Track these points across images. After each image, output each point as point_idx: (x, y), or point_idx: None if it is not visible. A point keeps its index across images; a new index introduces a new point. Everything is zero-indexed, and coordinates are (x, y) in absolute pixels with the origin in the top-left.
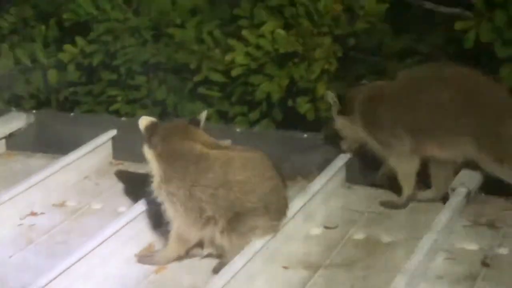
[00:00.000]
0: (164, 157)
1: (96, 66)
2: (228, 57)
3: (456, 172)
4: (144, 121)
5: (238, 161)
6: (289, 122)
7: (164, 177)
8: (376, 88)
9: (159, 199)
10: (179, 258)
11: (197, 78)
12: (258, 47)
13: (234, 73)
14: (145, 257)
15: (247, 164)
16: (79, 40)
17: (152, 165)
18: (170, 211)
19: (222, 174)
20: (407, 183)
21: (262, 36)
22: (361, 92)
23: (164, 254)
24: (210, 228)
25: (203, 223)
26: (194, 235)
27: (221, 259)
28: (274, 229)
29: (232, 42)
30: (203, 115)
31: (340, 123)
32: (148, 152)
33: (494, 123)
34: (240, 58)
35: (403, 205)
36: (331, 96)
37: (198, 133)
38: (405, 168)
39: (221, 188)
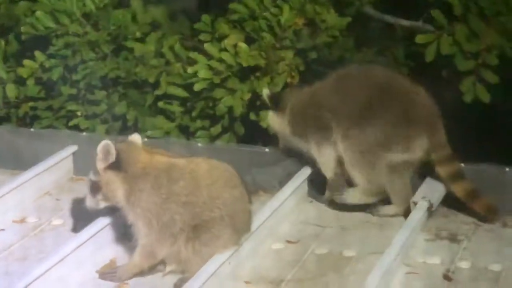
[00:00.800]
0: (134, 175)
1: (56, 80)
2: (190, 70)
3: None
4: (101, 147)
5: (205, 167)
6: (251, 136)
7: (136, 195)
8: (305, 89)
9: (130, 219)
10: (142, 274)
11: (157, 92)
12: (220, 60)
13: (197, 87)
14: (107, 273)
15: (213, 170)
16: (39, 54)
17: (118, 186)
18: (144, 227)
19: (192, 180)
20: (328, 170)
21: (224, 50)
22: (292, 91)
23: (127, 269)
24: (179, 243)
25: (174, 238)
26: (163, 251)
27: (183, 274)
28: (236, 242)
29: (193, 55)
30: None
31: (271, 119)
32: (112, 176)
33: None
34: (202, 72)
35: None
36: (265, 94)
37: (152, 149)
38: (324, 157)
39: (191, 195)
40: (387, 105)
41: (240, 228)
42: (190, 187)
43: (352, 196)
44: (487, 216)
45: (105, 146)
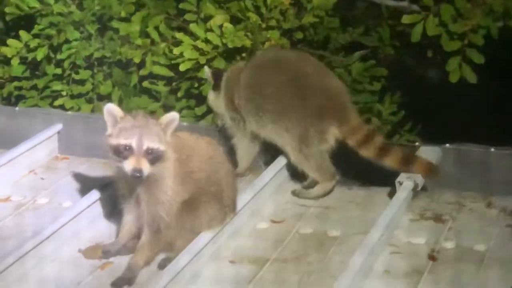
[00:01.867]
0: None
1: (40, 60)
2: (176, 51)
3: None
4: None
5: (202, 142)
6: None
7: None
8: (236, 68)
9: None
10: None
11: (142, 72)
12: (206, 41)
13: (182, 67)
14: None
15: (208, 145)
16: (23, 34)
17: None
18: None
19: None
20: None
21: (210, 30)
22: (228, 70)
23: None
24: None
25: None
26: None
27: (168, 253)
28: (223, 221)
29: (179, 35)
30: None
31: (210, 97)
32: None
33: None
34: (188, 53)
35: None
36: (206, 72)
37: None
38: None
39: (200, 171)
40: (298, 98)
41: (228, 206)
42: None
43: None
44: (427, 176)
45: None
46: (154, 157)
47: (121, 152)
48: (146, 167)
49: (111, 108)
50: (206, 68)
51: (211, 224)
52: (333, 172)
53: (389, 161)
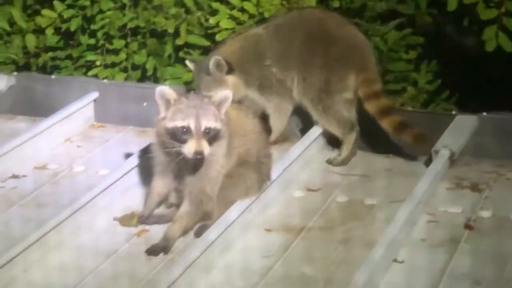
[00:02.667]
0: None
1: (75, 30)
2: (212, 20)
3: None
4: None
5: (242, 114)
6: None
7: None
8: (253, 35)
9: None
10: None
11: (177, 42)
12: (242, 10)
13: (219, 37)
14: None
15: (247, 116)
16: (57, 4)
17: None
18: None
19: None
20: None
21: None
22: (230, 44)
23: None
24: None
25: None
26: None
27: (204, 220)
28: (259, 190)
29: (215, 5)
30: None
31: (233, 83)
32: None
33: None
34: (224, 22)
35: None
36: (217, 61)
37: None
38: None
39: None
40: (320, 47)
41: (264, 175)
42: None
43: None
44: (417, 145)
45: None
46: (212, 136)
47: (179, 135)
48: (206, 148)
49: (163, 91)
50: (215, 57)
51: (248, 194)
52: (353, 123)
53: (385, 124)
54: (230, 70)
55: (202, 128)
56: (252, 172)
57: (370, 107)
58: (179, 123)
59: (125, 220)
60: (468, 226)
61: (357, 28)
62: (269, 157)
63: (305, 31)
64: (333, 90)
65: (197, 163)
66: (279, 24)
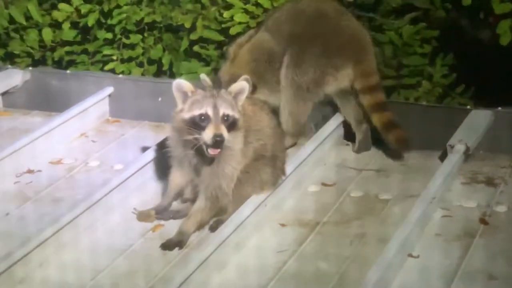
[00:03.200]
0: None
1: (92, 25)
2: (226, 14)
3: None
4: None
5: (257, 109)
6: None
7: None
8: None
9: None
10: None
11: (192, 36)
12: (257, 4)
13: (233, 31)
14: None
15: (262, 111)
16: None
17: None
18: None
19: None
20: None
21: None
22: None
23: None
24: None
25: None
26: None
27: (219, 215)
28: (274, 184)
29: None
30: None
31: (268, 98)
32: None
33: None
34: (238, 16)
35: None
36: (244, 81)
37: None
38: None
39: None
40: (318, 38)
41: (279, 170)
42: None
43: None
44: (397, 147)
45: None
46: (230, 124)
47: (197, 123)
48: (225, 132)
49: (180, 84)
50: (242, 81)
51: (263, 188)
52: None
53: (375, 119)
54: (254, 89)
55: (220, 114)
56: (267, 167)
57: (365, 100)
58: (197, 111)
59: (143, 215)
60: (483, 221)
61: (355, 19)
62: (283, 152)
63: (303, 23)
64: (323, 81)
65: (213, 158)
66: (278, 20)
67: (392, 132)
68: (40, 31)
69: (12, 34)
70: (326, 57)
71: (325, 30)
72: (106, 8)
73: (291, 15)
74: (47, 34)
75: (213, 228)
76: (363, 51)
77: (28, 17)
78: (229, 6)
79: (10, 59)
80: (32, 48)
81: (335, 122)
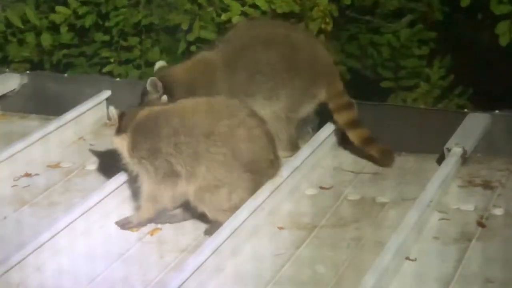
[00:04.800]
0: (131, 132)
1: (89, 27)
2: (224, 17)
3: None
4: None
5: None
6: None
7: (133, 147)
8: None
9: (134, 170)
10: (152, 219)
11: (189, 37)
12: (254, 6)
13: None
14: (123, 222)
15: (208, 105)
16: (72, 1)
17: (120, 147)
18: (142, 175)
19: (180, 120)
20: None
21: None
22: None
23: (137, 215)
24: (181, 185)
25: (172, 180)
26: (164, 195)
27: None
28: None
29: (227, 1)
30: None
31: None
32: (116, 139)
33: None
34: (236, 18)
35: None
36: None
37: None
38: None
39: (181, 135)
40: (289, 70)
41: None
42: (178, 127)
43: None
44: (382, 160)
45: (111, 113)
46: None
47: None
48: None
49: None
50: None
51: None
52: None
53: (353, 136)
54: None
55: None
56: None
57: (339, 118)
58: None
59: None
60: (480, 224)
61: (312, 36)
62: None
63: (270, 54)
64: (301, 108)
65: None
66: (233, 46)
67: (373, 147)
68: (37, 34)
69: (10, 37)
70: (300, 87)
71: (295, 58)
72: (104, 10)
73: (251, 40)
74: (46, 38)
75: (209, 232)
76: (332, 73)
77: (25, 21)
78: (226, 8)
79: (8, 63)
80: (29, 52)
81: (332, 125)
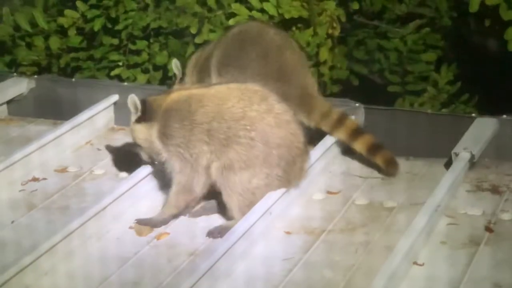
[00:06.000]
0: (159, 118)
1: (97, 31)
2: (231, 22)
3: None
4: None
5: (226, 89)
6: None
7: (165, 135)
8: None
9: (165, 159)
10: (178, 214)
11: (197, 40)
12: (262, 11)
13: None
14: (143, 220)
15: (238, 91)
16: (80, 4)
17: (145, 136)
18: (176, 164)
19: (214, 107)
20: None
21: (266, 0)
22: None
23: (163, 211)
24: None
25: (206, 168)
26: (199, 183)
27: (224, 223)
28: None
29: (235, 6)
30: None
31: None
32: (139, 128)
33: None
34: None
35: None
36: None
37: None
38: None
39: (214, 121)
40: None
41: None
42: (212, 113)
43: None
44: (387, 169)
45: (132, 100)
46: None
47: None
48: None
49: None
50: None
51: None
52: None
53: (358, 146)
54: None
55: None
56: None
57: (340, 134)
58: None
59: (140, 229)
60: (488, 229)
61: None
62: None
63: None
64: None
65: None
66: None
67: (378, 155)
68: (46, 38)
69: (18, 41)
70: None
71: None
72: (113, 14)
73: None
74: (54, 42)
75: (212, 234)
76: (311, 99)
77: (34, 24)
78: (233, 14)
79: (16, 66)
80: (38, 56)
81: None
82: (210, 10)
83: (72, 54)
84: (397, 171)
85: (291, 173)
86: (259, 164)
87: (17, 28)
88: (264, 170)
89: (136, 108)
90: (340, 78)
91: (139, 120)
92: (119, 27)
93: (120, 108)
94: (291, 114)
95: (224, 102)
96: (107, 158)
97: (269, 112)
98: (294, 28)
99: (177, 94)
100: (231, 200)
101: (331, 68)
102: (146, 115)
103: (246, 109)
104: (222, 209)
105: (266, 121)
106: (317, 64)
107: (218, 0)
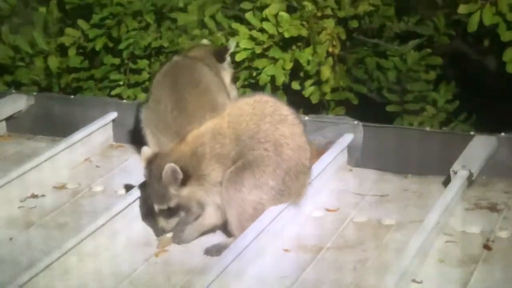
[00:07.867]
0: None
1: (99, 50)
2: (232, 40)
3: None
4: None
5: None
6: (292, 105)
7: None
8: None
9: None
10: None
11: None
12: (262, 30)
13: (238, 57)
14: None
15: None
16: (82, 23)
17: (196, 190)
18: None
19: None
20: None
21: (266, 19)
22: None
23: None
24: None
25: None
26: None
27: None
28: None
29: (235, 25)
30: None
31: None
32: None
33: None
34: (244, 42)
35: None
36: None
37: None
38: None
39: (236, 147)
40: None
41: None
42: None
43: None
44: None
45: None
46: (169, 213)
47: None
48: (164, 223)
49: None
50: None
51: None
52: None
53: None
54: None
55: (157, 210)
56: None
57: None
58: None
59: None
60: (486, 247)
61: None
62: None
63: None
64: None
65: None
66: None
67: None
68: (45, 58)
69: (18, 62)
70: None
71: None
72: (115, 33)
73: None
74: (53, 61)
75: (209, 252)
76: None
77: (34, 44)
78: (234, 33)
79: (16, 87)
80: (38, 75)
81: (339, 147)
82: (210, 32)
83: (73, 75)
84: None
85: (292, 189)
86: (266, 176)
87: (16, 49)
88: (270, 182)
89: (177, 176)
90: (341, 99)
91: (184, 183)
92: (121, 46)
93: (118, 125)
94: (303, 127)
95: (240, 124)
96: (106, 175)
97: (283, 122)
98: (294, 47)
99: (191, 138)
100: (226, 192)
101: (334, 90)
102: (186, 176)
103: (260, 123)
104: (223, 224)
105: (280, 132)
106: (318, 83)
107: (218, 21)
